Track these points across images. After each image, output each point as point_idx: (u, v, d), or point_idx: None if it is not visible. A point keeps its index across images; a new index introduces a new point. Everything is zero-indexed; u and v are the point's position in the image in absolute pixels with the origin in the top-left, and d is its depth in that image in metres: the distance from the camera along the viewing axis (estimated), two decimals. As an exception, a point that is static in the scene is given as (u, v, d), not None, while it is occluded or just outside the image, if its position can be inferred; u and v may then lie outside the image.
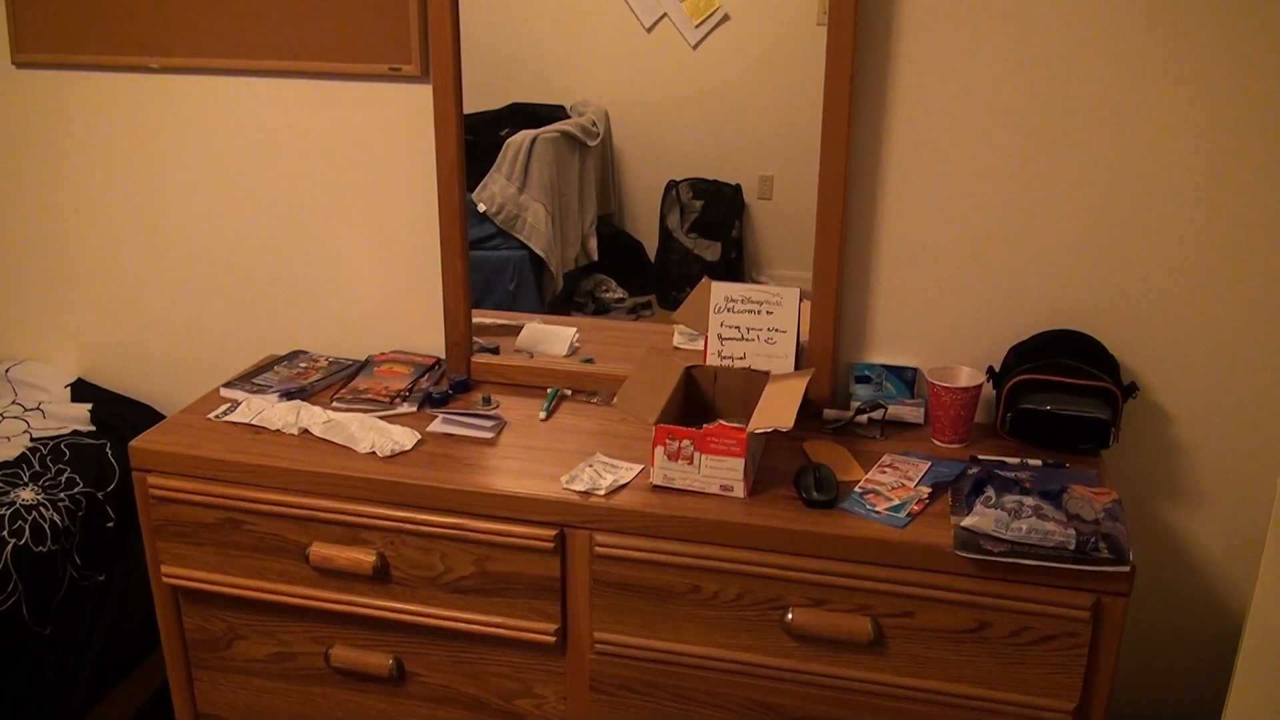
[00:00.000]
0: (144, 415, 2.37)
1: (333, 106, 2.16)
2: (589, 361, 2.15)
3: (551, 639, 1.78)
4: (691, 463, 1.72)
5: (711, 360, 1.99)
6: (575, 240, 2.25)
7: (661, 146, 2.15)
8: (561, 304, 2.26)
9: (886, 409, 1.97)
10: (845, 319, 2.04)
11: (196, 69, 2.19)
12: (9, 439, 2.23)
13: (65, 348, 2.48)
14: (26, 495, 2.05)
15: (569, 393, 2.10)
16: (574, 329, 2.20)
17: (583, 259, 2.27)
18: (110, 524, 2.16)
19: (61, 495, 2.09)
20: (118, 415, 2.35)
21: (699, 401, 1.97)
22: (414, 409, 2.02)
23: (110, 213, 2.35)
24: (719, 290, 1.98)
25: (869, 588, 1.64)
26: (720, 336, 1.98)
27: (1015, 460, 1.83)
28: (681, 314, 2.03)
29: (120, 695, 2.24)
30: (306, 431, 1.93)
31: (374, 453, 1.85)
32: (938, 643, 1.65)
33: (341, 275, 2.27)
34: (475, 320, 2.17)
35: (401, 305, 2.25)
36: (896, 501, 1.71)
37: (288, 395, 2.04)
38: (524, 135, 2.16)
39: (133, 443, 1.89)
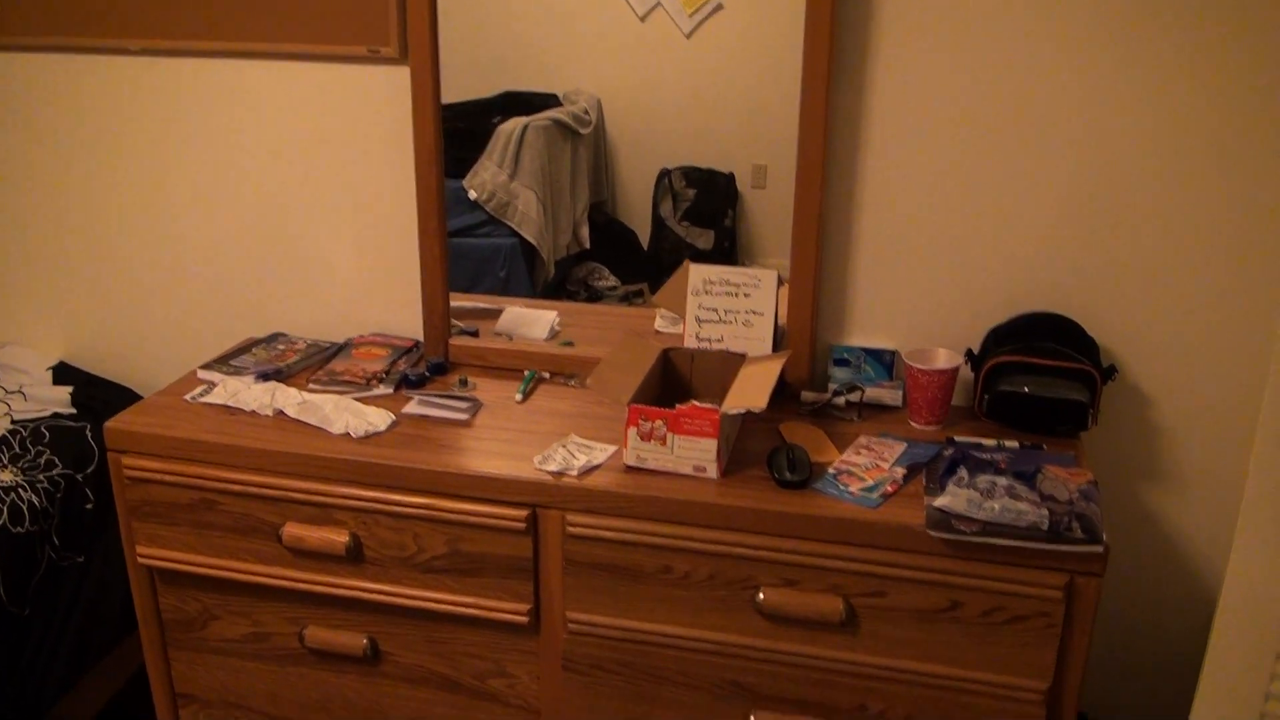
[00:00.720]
0: (125, 398, 2.37)
1: (312, 88, 2.15)
2: (568, 345, 2.15)
3: (524, 619, 1.77)
4: (665, 443, 1.72)
5: (689, 343, 1.98)
6: (567, 228, 2.24)
7: (654, 135, 2.15)
8: (554, 292, 2.25)
9: (864, 391, 1.96)
10: (824, 301, 2.04)
11: (176, 51, 2.19)
12: (-10, 421, 2.24)
13: (47, 331, 2.48)
14: (5, 477, 2.05)
15: (547, 376, 2.10)
16: (554, 313, 2.20)
17: (575, 247, 2.26)
18: (89, 506, 2.16)
19: (41, 477, 2.09)
20: (99, 398, 2.35)
21: (676, 384, 1.97)
22: (390, 391, 2.01)
23: (92, 196, 2.35)
24: (697, 273, 1.98)
25: (841, 567, 1.64)
26: (698, 319, 1.98)
27: (992, 442, 1.82)
28: (661, 297, 2.03)
29: (98, 676, 2.24)
30: (281, 413, 1.93)
31: (348, 434, 1.85)
32: (910, 622, 1.64)
33: (322, 258, 2.26)
34: (456, 304, 2.16)
35: (381, 288, 2.24)
36: (870, 482, 1.71)
37: (264, 377, 2.04)
38: (515, 123, 2.16)
39: (108, 423, 1.89)
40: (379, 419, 1.88)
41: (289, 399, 1.95)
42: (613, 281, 2.29)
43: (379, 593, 1.82)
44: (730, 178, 2.12)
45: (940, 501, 1.61)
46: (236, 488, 1.83)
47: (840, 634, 1.67)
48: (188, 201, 2.30)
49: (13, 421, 2.23)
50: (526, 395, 2.02)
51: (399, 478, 1.76)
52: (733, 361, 1.92)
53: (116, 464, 1.89)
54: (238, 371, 2.06)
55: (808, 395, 1.98)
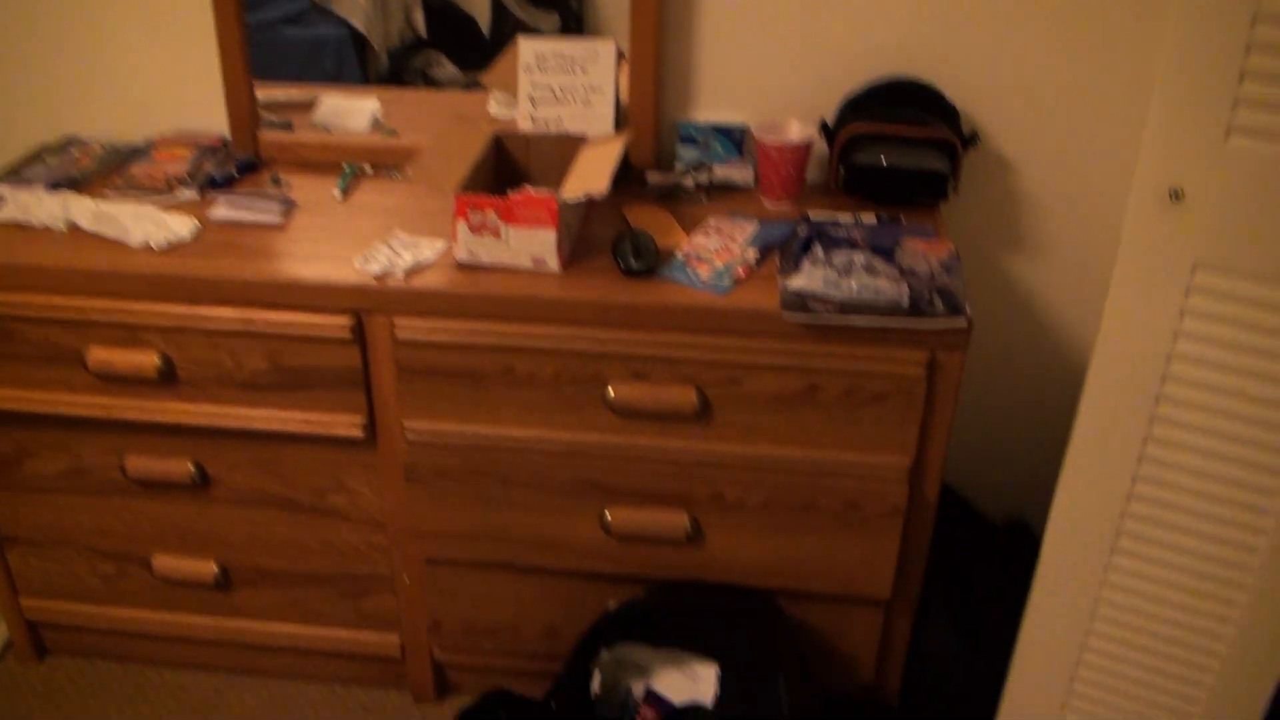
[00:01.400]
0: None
1: None
2: (392, 134, 1.97)
3: (359, 432, 1.67)
4: (499, 236, 1.58)
5: (524, 125, 1.82)
6: (398, 13, 2.06)
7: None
8: (388, 84, 2.08)
9: (712, 169, 1.84)
10: (667, 74, 1.88)
11: None
12: None
13: None
14: None
15: (369, 169, 1.93)
16: (375, 101, 2.01)
17: (409, 34, 2.07)
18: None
19: None
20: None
21: (512, 172, 1.82)
22: (196, 195, 1.83)
23: None
24: (528, 46, 1.80)
25: (693, 357, 1.55)
26: (532, 98, 1.81)
27: (849, 217, 1.73)
28: (491, 76, 1.85)
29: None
30: (76, 226, 1.74)
31: (148, 244, 1.67)
32: (767, 408, 1.58)
33: (114, 49, 2.01)
34: (268, 96, 1.96)
35: (181, 81, 2.02)
36: (720, 266, 1.60)
37: (55, 186, 1.83)
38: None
39: (-126, 250, 1.68)
40: (182, 226, 1.70)
41: (83, 210, 1.76)
42: (452, 71, 2.11)
43: (199, 415, 1.69)
44: (572, -49, 1.95)
45: (795, 282, 1.52)
46: (33, 313, 1.66)
47: (694, 424, 1.60)
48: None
49: None
50: (346, 192, 1.86)
51: (208, 290, 1.60)
52: (571, 144, 1.78)
53: (-107, 297, 1.69)
54: (28, 183, 1.85)
55: (653, 177, 1.86)
